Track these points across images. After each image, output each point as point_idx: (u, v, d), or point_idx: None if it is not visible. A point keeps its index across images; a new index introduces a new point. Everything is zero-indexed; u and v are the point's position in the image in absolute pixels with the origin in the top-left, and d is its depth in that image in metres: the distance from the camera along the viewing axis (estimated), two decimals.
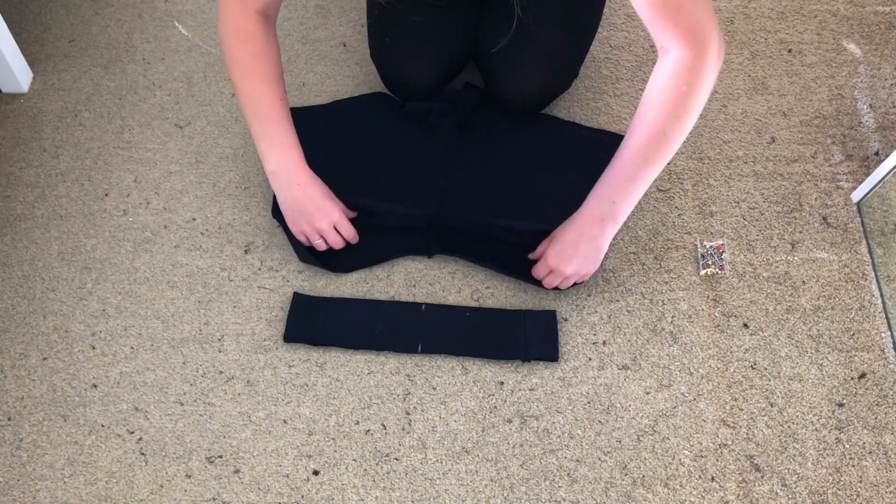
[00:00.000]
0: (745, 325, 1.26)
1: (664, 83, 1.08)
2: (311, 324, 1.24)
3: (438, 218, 1.31)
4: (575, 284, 1.25)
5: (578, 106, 1.47)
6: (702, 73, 1.06)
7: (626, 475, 1.15)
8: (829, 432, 1.18)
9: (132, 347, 1.25)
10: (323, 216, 1.23)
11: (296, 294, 1.26)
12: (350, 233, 1.27)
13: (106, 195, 1.39)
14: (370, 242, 1.30)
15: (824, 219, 1.35)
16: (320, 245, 1.26)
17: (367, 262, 1.30)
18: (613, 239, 1.33)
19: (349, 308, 1.26)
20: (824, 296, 1.28)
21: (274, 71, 1.18)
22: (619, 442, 1.17)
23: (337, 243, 1.26)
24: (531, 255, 1.27)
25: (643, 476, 1.15)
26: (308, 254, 1.28)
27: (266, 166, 1.21)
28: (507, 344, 1.22)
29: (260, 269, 1.31)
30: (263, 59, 1.16)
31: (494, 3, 1.33)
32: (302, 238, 1.26)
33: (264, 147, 1.20)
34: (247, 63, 1.16)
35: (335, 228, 1.25)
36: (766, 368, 1.22)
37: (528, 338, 1.23)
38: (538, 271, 1.23)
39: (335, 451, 1.17)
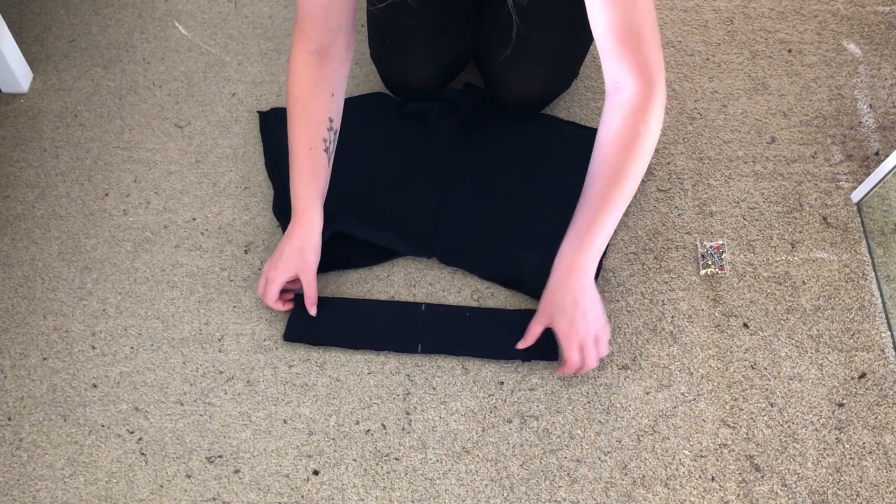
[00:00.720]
0: (745, 325, 1.26)
1: (621, 124, 1.09)
2: (311, 324, 1.24)
3: (431, 251, 1.30)
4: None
5: (578, 106, 1.47)
6: (655, 113, 1.08)
7: (626, 475, 1.15)
8: (830, 432, 1.18)
9: (132, 347, 1.25)
10: (270, 268, 1.20)
11: (296, 294, 1.26)
12: (267, 299, 1.21)
13: (106, 195, 1.39)
14: (370, 244, 1.30)
15: (824, 219, 1.35)
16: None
17: (368, 263, 1.30)
18: (613, 239, 1.33)
19: (349, 308, 1.26)
20: (824, 296, 1.28)
21: (309, 118, 1.18)
22: (619, 442, 1.17)
23: (259, 290, 1.22)
24: (521, 344, 1.18)
25: (643, 476, 1.15)
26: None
27: None
28: (508, 344, 1.22)
29: (260, 269, 1.31)
30: (302, 105, 1.18)
31: (493, 3, 1.33)
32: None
33: (291, 192, 1.21)
34: (289, 106, 1.19)
35: (265, 286, 1.21)
36: (766, 368, 1.22)
37: None
38: (571, 363, 1.14)
39: (335, 451, 1.17)
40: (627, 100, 1.09)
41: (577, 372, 1.16)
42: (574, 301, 1.12)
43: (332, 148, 1.22)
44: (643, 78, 1.07)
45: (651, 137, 1.09)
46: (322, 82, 1.19)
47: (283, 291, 1.23)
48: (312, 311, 1.22)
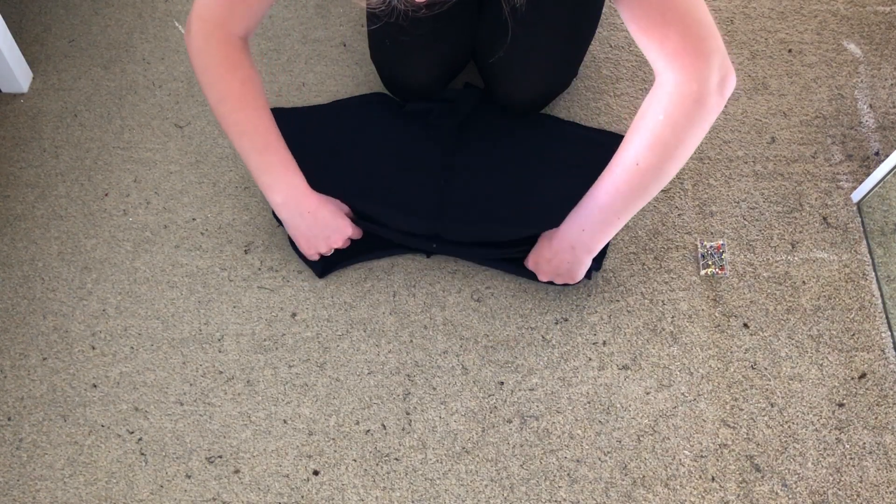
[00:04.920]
0: (746, 325, 1.26)
1: (661, 121, 1.00)
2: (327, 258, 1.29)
3: (436, 227, 1.30)
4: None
5: (578, 106, 1.47)
6: (699, 109, 0.98)
7: (626, 475, 1.15)
8: (830, 432, 1.18)
9: (132, 347, 1.25)
10: (339, 236, 1.24)
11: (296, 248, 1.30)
12: (359, 236, 1.28)
13: (106, 195, 1.39)
14: (370, 238, 1.30)
15: (824, 219, 1.35)
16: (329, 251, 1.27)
17: (368, 257, 1.30)
18: (613, 239, 1.33)
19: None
20: (824, 296, 1.28)
21: (263, 97, 1.12)
22: (619, 442, 1.17)
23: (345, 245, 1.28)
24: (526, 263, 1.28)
25: (643, 476, 1.15)
26: (312, 262, 1.30)
27: (273, 197, 1.17)
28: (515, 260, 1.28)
29: (260, 269, 1.31)
30: (252, 87, 1.10)
31: (493, 5, 1.33)
32: (316, 256, 1.26)
33: (268, 179, 1.15)
34: (237, 93, 1.09)
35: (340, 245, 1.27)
36: (766, 368, 1.22)
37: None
38: (529, 262, 1.26)
39: (335, 451, 1.17)
40: (667, 96, 0.98)
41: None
42: (549, 261, 1.21)
43: None
44: (684, 67, 0.95)
45: (692, 139, 1.00)
46: (253, 62, 1.12)
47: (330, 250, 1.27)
48: (358, 235, 1.27)
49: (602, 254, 1.29)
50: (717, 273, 1.30)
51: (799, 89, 1.49)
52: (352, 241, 1.29)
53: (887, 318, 1.26)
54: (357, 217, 1.29)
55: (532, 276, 1.28)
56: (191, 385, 1.22)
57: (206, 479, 1.15)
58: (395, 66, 1.37)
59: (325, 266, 1.30)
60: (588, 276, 1.26)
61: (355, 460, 1.16)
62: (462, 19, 1.34)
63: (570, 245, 1.17)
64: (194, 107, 1.48)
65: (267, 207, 1.37)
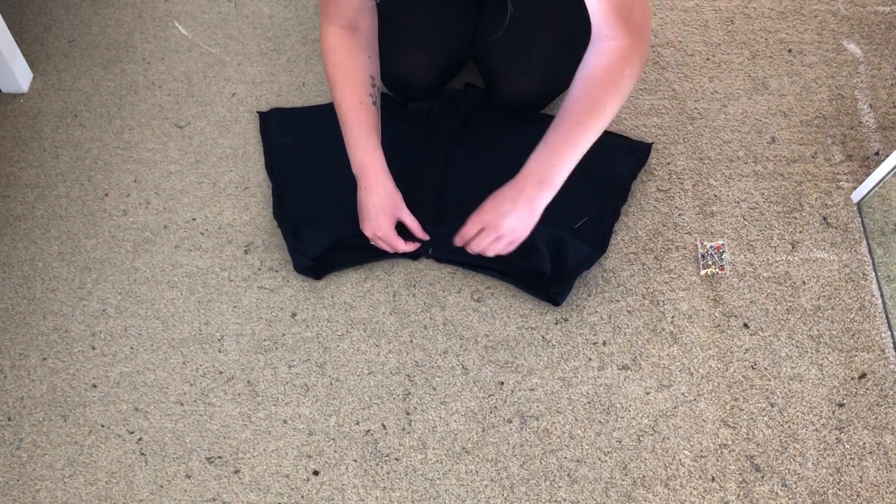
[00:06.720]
0: (746, 325, 1.26)
1: (609, 64, 1.14)
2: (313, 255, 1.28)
3: (436, 228, 1.30)
4: (502, 262, 1.26)
5: None
6: (640, 62, 1.16)
7: (626, 475, 1.15)
8: (830, 432, 1.18)
9: (132, 347, 1.25)
10: (369, 227, 1.25)
11: (293, 230, 1.29)
12: (396, 245, 1.27)
13: (106, 195, 1.39)
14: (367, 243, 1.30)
15: (824, 219, 1.35)
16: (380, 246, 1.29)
17: (364, 260, 1.30)
18: (613, 239, 1.33)
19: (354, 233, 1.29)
20: (824, 296, 1.28)
21: (353, 77, 1.24)
22: (619, 442, 1.17)
23: (389, 249, 1.28)
24: (458, 239, 1.25)
25: (643, 476, 1.15)
26: (304, 266, 1.29)
27: (352, 168, 1.26)
28: (515, 266, 1.26)
29: (260, 269, 1.31)
30: (343, 68, 1.24)
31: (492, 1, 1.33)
32: (368, 233, 1.28)
33: (348, 150, 1.25)
34: (330, 74, 1.25)
35: (387, 243, 1.27)
36: (766, 368, 1.22)
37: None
38: (468, 229, 1.22)
39: (335, 451, 1.17)
40: (616, 47, 1.14)
41: (462, 245, 1.24)
42: (513, 200, 1.19)
43: (379, 103, 1.28)
44: (631, 35, 1.14)
45: (631, 82, 1.15)
46: (357, 47, 1.24)
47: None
48: (425, 236, 1.29)
49: (605, 245, 1.30)
50: (717, 273, 1.30)
51: (799, 89, 1.49)
52: (353, 243, 1.29)
53: (887, 318, 1.26)
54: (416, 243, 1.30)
55: (527, 284, 1.27)
56: (191, 385, 1.22)
57: (206, 479, 1.15)
58: (395, 63, 1.36)
59: (320, 268, 1.29)
60: (585, 266, 1.27)
61: (355, 460, 1.16)
62: (460, 13, 1.35)
63: (539, 179, 1.18)
64: (194, 107, 1.48)
65: (267, 207, 1.37)
